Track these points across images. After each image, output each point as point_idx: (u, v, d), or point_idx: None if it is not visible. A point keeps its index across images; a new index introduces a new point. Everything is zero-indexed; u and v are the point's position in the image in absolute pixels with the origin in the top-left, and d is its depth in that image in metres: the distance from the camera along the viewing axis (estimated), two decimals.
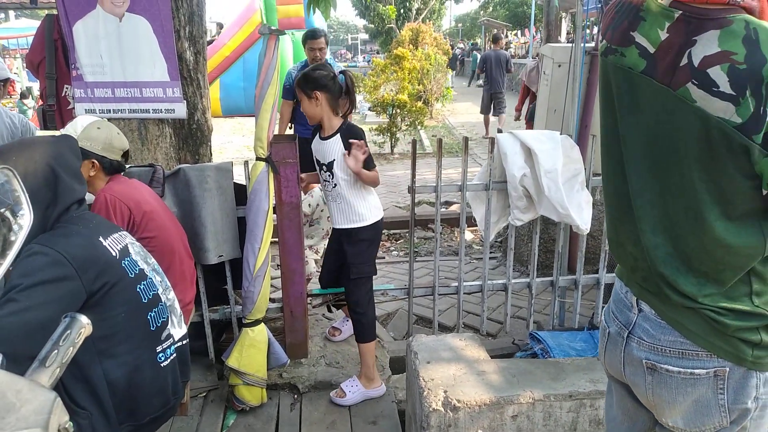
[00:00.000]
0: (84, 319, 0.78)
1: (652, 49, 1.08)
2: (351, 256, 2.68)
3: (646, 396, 1.25)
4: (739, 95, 0.93)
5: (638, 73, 1.10)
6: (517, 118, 7.78)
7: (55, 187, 1.55)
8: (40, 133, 2.07)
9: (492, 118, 10.83)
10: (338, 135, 2.60)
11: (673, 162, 1.07)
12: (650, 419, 1.34)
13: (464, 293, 3.13)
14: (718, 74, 0.95)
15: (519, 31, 29.04)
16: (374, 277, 2.82)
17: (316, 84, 2.57)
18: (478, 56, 16.59)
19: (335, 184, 2.64)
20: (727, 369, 1.13)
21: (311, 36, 4.43)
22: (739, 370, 1.13)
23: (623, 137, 1.18)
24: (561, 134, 2.91)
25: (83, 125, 2.08)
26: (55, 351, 0.73)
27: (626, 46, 1.12)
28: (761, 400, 1.17)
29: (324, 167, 2.66)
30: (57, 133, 2.04)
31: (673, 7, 1.05)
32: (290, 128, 4.77)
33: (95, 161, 2.10)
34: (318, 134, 2.68)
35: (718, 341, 1.12)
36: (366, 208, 2.67)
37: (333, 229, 2.80)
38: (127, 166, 2.60)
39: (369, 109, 9.64)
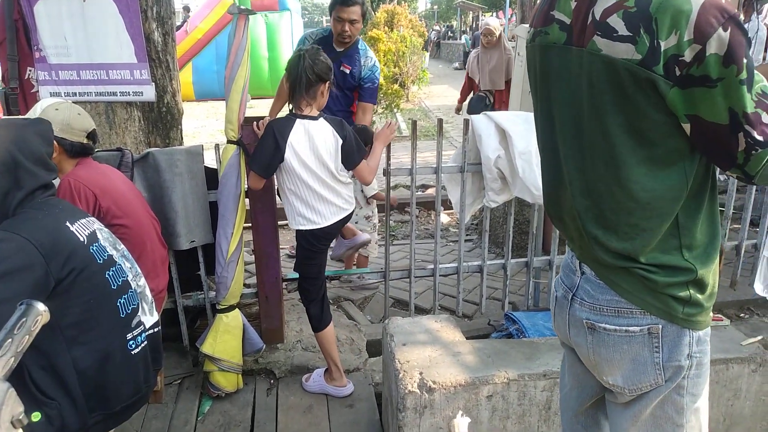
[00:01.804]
0: (41, 306, 0.75)
1: (568, 21, 1.17)
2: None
3: (588, 356, 1.31)
4: (635, 35, 1.02)
5: (561, 45, 1.19)
6: (458, 111, 6.69)
7: (14, 173, 1.50)
8: (44, 104, 2.04)
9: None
10: None
11: (593, 118, 1.13)
12: (598, 385, 1.39)
13: (440, 275, 3.14)
14: (615, 21, 1.05)
15: (494, 13, 28.98)
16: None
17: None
18: (465, 37, 17.92)
19: None
20: (660, 326, 1.19)
21: (341, 1, 3.25)
22: (672, 328, 1.19)
23: (555, 110, 1.24)
24: None
25: (42, 107, 2.02)
26: (9, 340, 0.69)
27: (548, 24, 1.22)
28: (695, 358, 1.22)
29: None
30: (51, 114, 1.99)
31: None
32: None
33: (54, 143, 2.04)
34: None
35: (650, 298, 1.18)
36: (288, 210, 2.47)
37: None
38: (95, 150, 2.54)
39: None
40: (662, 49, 1.00)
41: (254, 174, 2.38)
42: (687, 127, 1.05)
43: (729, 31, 0.96)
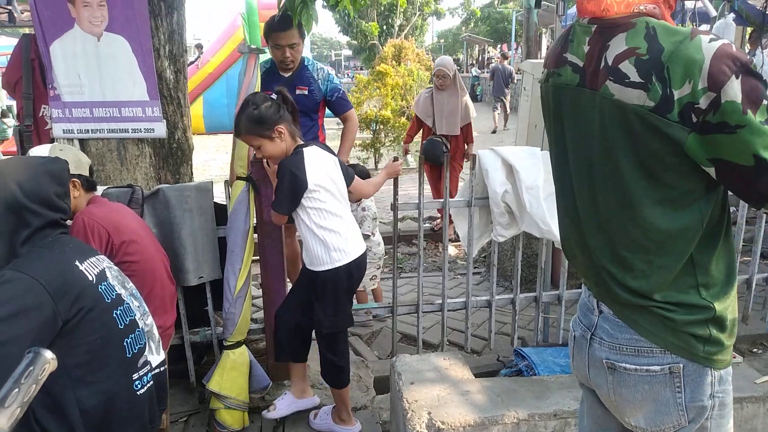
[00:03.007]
0: (48, 354, 0.75)
1: (581, 63, 1.20)
2: (319, 310, 2.38)
3: (609, 396, 1.29)
4: (647, 82, 1.04)
5: (574, 86, 1.22)
6: (407, 152, 6.02)
7: (18, 212, 1.51)
8: (39, 152, 2.10)
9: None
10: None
11: (607, 158, 1.15)
12: (619, 427, 1.36)
13: (448, 310, 3.11)
14: (627, 67, 1.08)
15: (500, 46, 29.36)
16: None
17: (272, 120, 2.27)
18: (476, 70, 23.15)
19: (293, 219, 2.39)
20: (681, 365, 1.17)
21: (277, 26, 3.02)
22: (694, 367, 1.17)
23: (569, 149, 1.27)
24: (541, 150, 2.93)
25: (44, 154, 2.05)
26: (16, 389, 0.69)
27: (561, 66, 1.26)
28: (718, 398, 1.20)
29: None
30: (59, 155, 2.01)
31: (591, 23, 1.20)
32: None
33: (75, 181, 2.08)
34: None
35: (670, 337, 1.17)
36: (323, 251, 2.33)
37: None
38: (106, 187, 2.57)
39: None
40: (675, 98, 1.02)
41: (276, 213, 2.33)
42: (711, 170, 1.05)
43: (741, 78, 0.99)
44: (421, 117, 5.49)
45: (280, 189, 2.29)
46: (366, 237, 3.66)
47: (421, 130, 5.72)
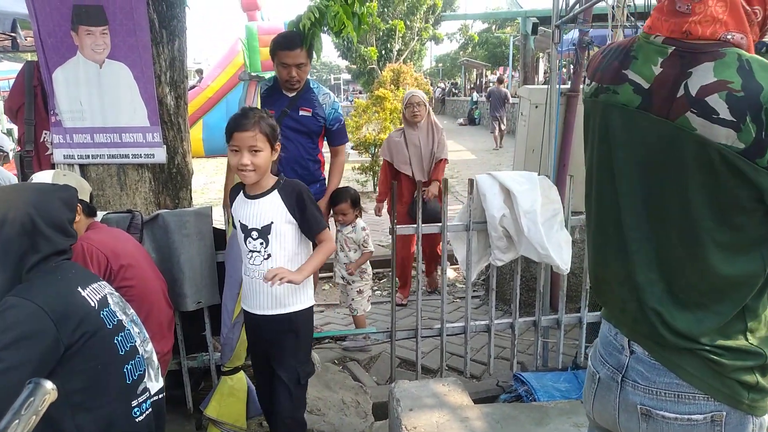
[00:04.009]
0: (48, 385, 0.76)
1: (646, 85, 1.09)
2: (290, 354, 2.22)
3: None
4: (739, 122, 0.96)
5: (634, 108, 1.11)
6: (379, 211, 4.92)
7: (32, 237, 1.52)
8: (42, 178, 2.12)
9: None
10: (275, 192, 2.16)
11: (673, 192, 1.08)
12: None
13: (447, 335, 3.10)
14: (717, 102, 0.98)
15: (497, 70, 29.68)
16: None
17: (278, 135, 2.18)
18: (476, 95, 24.40)
19: (268, 256, 2.16)
20: (724, 413, 1.11)
21: (285, 45, 3.01)
22: (736, 415, 1.11)
23: (617, 173, 1.17)
24: (539, 174, 2.95)
25: (47, 180, 2.07)
26: (16, 421, 0.69)
27: (619, 83, 1.14)
28: None
29: (254, 233, 2.16)
30: (62, 181, 2.03)
31: (666, 44, 1.08)
32: None
33: (77, 206, 2.09)
34: (242, 191, 2.24)
35: (716, 383, 1.10)
36: (302, 289, 2.22)
37: (252, 315, 2.26)
38: (106, 212, 2.59)
39: (351, 148, 9.78)
40: None
41: (327, 231, 2.22)
42: None
43: None
44: (398, 167, 4.50)
45: (313, 209, 2.17)
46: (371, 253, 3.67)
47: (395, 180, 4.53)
